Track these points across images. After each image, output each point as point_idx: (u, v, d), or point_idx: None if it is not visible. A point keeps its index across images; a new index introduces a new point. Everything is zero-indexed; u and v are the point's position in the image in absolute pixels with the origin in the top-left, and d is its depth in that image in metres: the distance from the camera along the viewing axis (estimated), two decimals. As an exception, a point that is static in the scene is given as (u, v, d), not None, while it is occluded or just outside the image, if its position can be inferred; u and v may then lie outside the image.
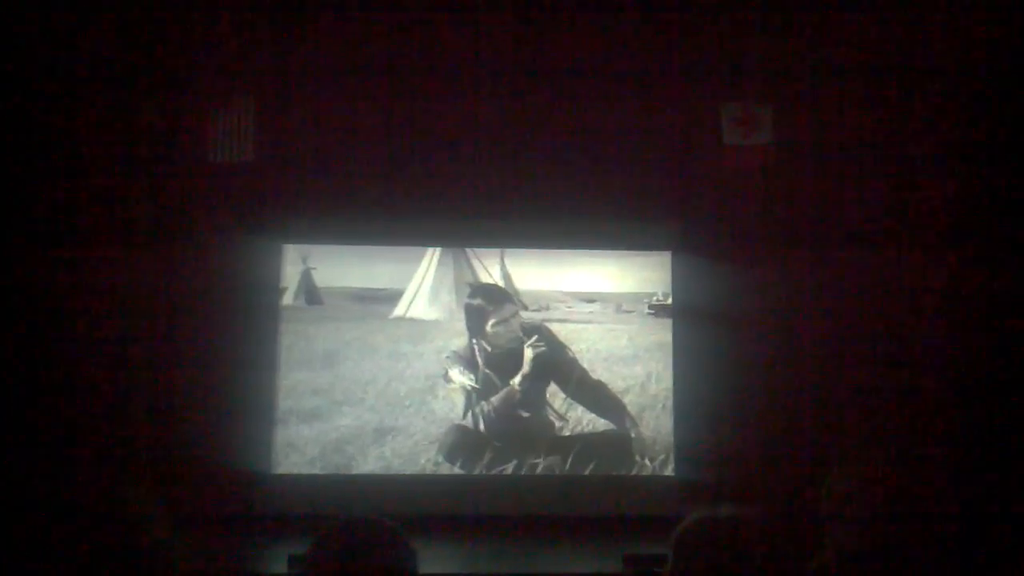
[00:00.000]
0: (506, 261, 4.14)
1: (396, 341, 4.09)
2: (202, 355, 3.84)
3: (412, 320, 4.13)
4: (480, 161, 4.06)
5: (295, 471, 3.88)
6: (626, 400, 4.04)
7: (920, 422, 3.90)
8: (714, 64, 4.07)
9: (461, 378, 4.03)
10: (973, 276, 4.00)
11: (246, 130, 3.91)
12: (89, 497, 1.61)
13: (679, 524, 1.77)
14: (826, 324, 4.01)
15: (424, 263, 4.16)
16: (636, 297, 4.17)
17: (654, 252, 4.13)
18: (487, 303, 4.11)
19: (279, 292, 4.03)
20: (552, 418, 4.03)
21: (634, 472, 3.97)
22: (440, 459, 3.95)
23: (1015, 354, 3.90)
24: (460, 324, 4.11)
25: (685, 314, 4.07)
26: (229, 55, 3.94)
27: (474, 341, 4.07)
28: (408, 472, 3.91)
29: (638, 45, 4.08)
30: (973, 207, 4.04)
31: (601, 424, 4.03)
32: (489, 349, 4.06)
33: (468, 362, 4.05)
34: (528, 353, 4.05)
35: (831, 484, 1.93)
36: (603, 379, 4.06)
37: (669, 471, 3.95)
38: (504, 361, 4.06)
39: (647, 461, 3.99)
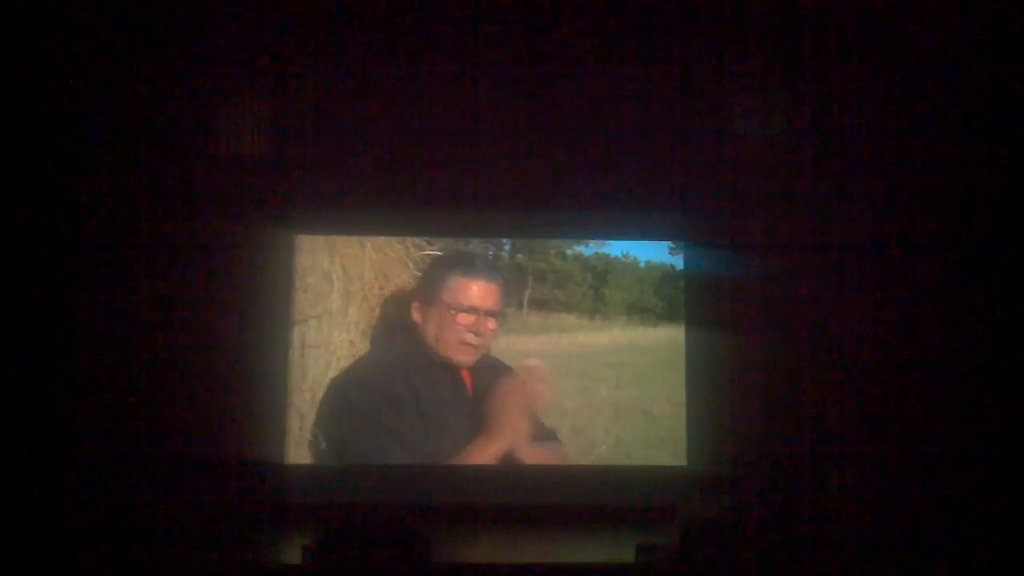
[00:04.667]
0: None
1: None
2: (215, 346, 3.77)
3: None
4: (488, 152, 3.99)
5: (307, 461, 3.79)
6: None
7: (926, 420, 3.68)
8: (726, 53, 4.00)
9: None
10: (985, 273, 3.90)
11: (257, 122, 3.89)
12: (106, 491, 1.56)
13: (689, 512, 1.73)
14: (831, 316, 3.88)
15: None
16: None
17: (661, 243, 4.06)
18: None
19: (292, 283, 3.91)
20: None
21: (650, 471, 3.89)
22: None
23: (1016, 353, 3.81)
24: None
25: (695, 304, 3.97)
26: (240, 48, 3.88)
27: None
28: (420, 463, 3.83)
29: (646, 33, 4.02)
30: (980, 206, 3.94)
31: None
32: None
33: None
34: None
35: (836, 481, 1.96)
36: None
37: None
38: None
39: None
